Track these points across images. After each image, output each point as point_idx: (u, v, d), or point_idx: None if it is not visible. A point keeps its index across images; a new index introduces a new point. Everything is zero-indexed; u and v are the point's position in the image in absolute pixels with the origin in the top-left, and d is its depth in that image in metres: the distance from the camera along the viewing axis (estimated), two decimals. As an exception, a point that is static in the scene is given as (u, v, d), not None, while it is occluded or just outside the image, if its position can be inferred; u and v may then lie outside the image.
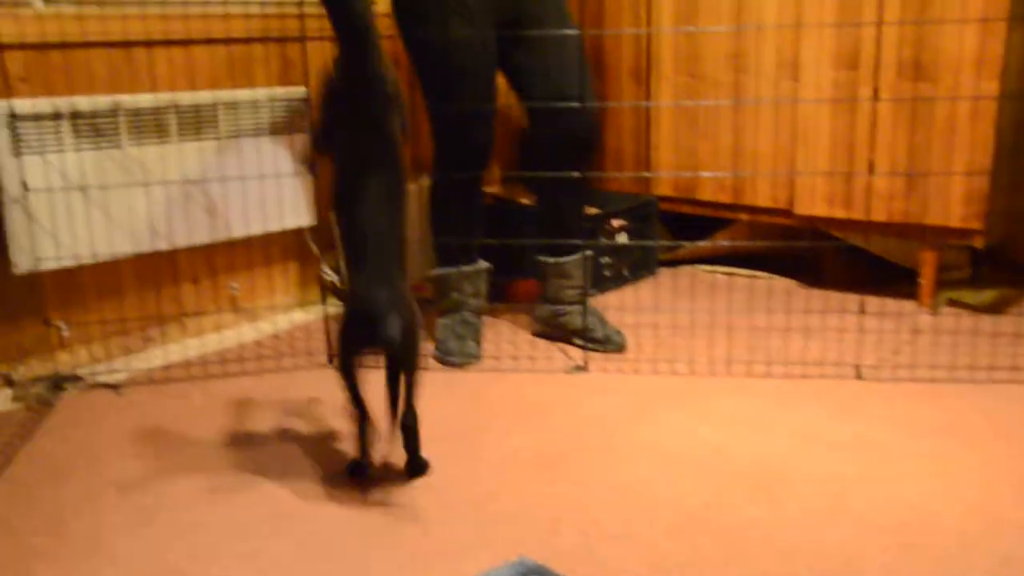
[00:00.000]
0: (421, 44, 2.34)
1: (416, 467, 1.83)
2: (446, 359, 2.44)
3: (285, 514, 1.71)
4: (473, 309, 2.53)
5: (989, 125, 2.53)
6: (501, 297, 2.99)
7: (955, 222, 2.62)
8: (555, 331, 2.59)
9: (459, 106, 2.33)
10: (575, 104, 2.33)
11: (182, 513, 1.72)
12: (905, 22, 2.58)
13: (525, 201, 3.14)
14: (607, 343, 2.50)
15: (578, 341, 2.53)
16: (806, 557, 1.54)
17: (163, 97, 2.40)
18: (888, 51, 2.63)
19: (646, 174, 2.35)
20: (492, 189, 3.41)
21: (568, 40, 2.39)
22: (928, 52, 2.58)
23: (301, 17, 2.44)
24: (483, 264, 2.55)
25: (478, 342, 2.49)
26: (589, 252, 2.57)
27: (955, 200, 2.61)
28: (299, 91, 2.62)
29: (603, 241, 3.00)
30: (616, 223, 3.05)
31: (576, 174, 2.40)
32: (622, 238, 3.06)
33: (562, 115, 2.36)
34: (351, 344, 1.71)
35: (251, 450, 1.97)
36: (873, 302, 2.81)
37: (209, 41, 2.56)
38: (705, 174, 2.34)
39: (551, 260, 2.54)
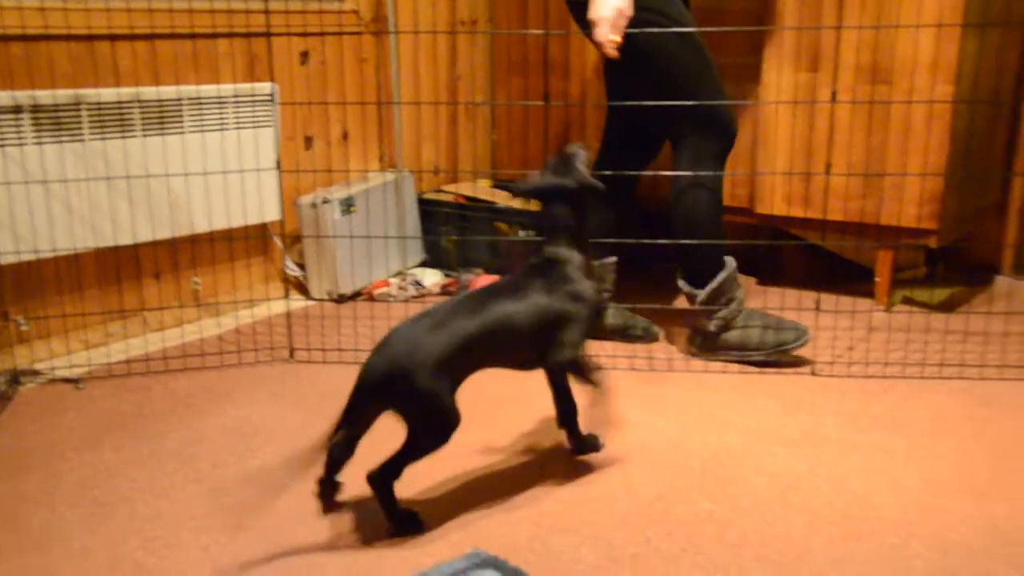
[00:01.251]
0: (677, 44, 2.26)
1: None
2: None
3: (243, 506, 1.72)
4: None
5: (944, 128, 2.58)
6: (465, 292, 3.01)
7: (910, 222, 2.67)
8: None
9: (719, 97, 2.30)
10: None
11: (140, 507, 1.73)
12: (863, 27, 2.62)
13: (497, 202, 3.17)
14: (647, 336, 2.56)
15: (634, 333, 2.57)
16: (755, 548, 1.58)
17: (126, 91, 2.40)
18: (847, 54, 2.68)
19: (608, 172, 2.38)
20: (462, 189, 3.43)
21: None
22: (885, 56, 2.63)
23: (267, 13, 2.44)
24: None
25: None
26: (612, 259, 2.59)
27: (910, 201, 2.66)
28: (265, 87, 2.63)
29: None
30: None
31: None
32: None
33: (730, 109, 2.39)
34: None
35: (210, 444, 1.98)
36: (831, 300, 2.86)
37: (173, 36, 2.56)
38: (665, 173, 2.37)
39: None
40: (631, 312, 2.59)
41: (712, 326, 2.38)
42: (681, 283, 2.41)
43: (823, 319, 2.69)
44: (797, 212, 2.85)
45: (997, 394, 2.19)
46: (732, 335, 2.38)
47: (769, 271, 3.17)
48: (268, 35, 2.39)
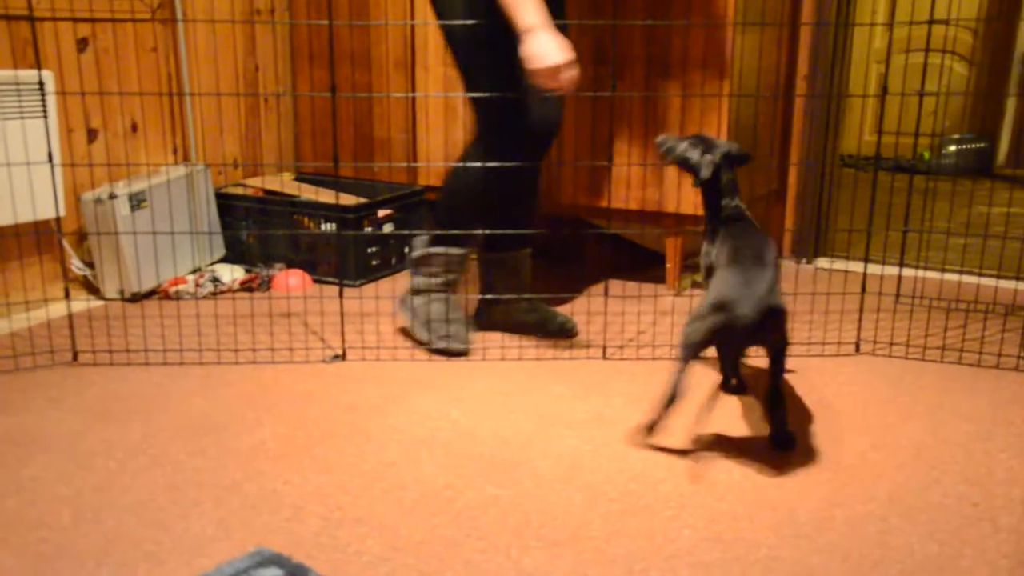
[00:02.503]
0: (489, 33, 2.25)
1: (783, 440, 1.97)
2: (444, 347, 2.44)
3: (10, 522, 1.63)
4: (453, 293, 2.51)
5: (722, 120, 2.73)
6: (266, 287, 2.95)
7: (689, 210, 2.81)
8: (509, 328, 2.59)
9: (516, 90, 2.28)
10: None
11: None
12: (645, 23, 2.73)
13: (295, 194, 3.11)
14: (564, 332, 2.54)
15: (544, 332, 2.55)
16: (536, 529, 1.62)
17: None
18: (631, 49, 2.78)
19: (402, 164, 2.38)
20: (261, 183, 3.35)
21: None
22: (660, 51, 2.75)
23: (31, -5, 2.29)
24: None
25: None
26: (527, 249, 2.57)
27: (690, 190, 2.80)
28: (32, 75, 2.47)
29: (369, 231, 3.02)
30: (382, 213, 3.07)
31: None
32: (388, 228, 3.09)
33: (549, 105, 2.37)
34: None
35: (-24, 456, 1.85)
36: (628, 286, 2.98)
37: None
38: (460, 164, 2.40)
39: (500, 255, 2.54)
40: (546, 306, 2.59)
41: (410, 284, 2.49)
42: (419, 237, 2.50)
43: (618, 304, 2.79)
44: (594, 202, 2.95)
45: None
46: (416, 300, 2.48)
47: (572, 259, 3.26)
48: (31, 19, 2.24)
